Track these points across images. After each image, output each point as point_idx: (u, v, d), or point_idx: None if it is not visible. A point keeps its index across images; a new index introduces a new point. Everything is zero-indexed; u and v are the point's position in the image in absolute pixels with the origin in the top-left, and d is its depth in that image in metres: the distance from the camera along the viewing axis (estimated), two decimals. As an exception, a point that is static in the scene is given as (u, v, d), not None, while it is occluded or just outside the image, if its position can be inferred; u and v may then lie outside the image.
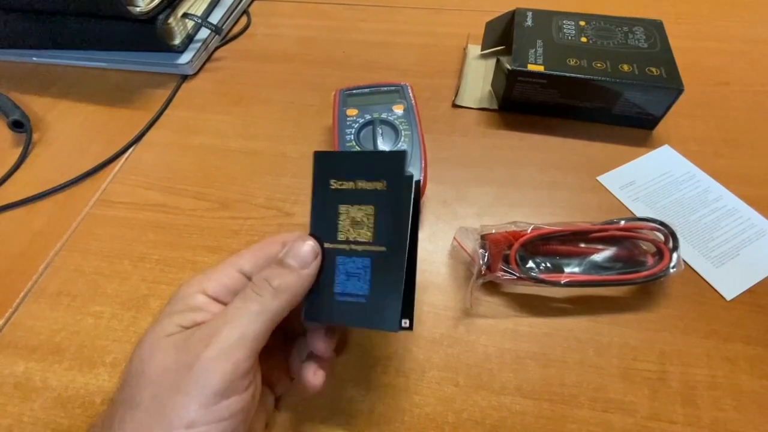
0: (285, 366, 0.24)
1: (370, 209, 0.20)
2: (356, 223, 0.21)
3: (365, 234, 0.20)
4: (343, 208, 0.21)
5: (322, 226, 0.21)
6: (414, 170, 0.33)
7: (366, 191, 0.20)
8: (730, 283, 0.31)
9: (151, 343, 0.19)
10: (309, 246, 0.21)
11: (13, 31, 0.48)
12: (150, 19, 0.44)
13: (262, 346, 0.19)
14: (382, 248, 0.20)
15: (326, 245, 0.21)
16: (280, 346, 0.24)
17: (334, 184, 0.21)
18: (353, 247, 0.21)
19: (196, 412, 0.17)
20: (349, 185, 0.21)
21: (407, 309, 0.20)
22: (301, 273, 0.20)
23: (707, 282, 0.31)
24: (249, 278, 0.21)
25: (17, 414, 0.27)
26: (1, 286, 0.32)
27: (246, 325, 0.18)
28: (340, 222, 0.21)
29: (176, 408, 0.17)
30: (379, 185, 0.20)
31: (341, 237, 0.21)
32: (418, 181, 0.21)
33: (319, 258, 0.21)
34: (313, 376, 0.22)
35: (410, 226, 0.20)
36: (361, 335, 0.29)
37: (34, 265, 0.33)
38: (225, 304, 0.20)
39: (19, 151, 0.41)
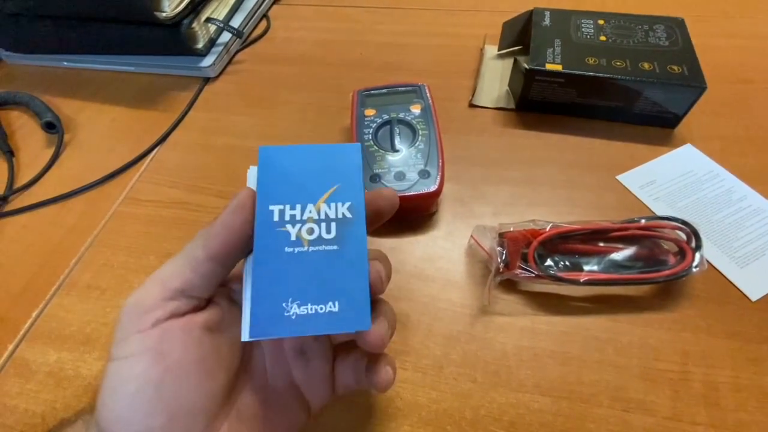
0: (327, 377, 0.22)
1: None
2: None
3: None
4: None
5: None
6: (431, 169, 0.33)
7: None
8: (755, 284, 0.30)
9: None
10: (241, 193, 0.19)
11: (46, 37, 0.50)
12: (175, 24, 0.46)
13: (175, 286, 0.18)
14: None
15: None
16: (324, 355, 0.22)
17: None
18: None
19: (113, 346, 0.18)
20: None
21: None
22: (228, 213, 0.19)
23: (731, 282, 0.30)
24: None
25: (50, 401, 0.28)
26: (35, 280, 0.34)
27: (162, 267, 0.19)
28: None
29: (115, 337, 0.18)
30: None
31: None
32: None
33: (234, 200, 0.19)
34: (386, 374, 0.20)
35: None
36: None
37: (66, 260, 0.35)
38: None
39: (51, 151, 0.43)
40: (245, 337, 0.18)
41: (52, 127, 0.44)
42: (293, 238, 0.19)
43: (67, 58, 0.52)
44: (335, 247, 0.19)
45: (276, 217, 0.19)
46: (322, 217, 0.19)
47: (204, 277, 0.19)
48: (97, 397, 0.17)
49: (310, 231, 0.19)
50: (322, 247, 0.19)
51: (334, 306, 0.18)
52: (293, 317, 0.18)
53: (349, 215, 0.19)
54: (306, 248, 0.19)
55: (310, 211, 0.19)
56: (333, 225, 0.19)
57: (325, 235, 0.19)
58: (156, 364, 0.17)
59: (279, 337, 0.18)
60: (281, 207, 0.19)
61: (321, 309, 0.18)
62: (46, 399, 0.28)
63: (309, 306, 0.18)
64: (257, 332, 0.17)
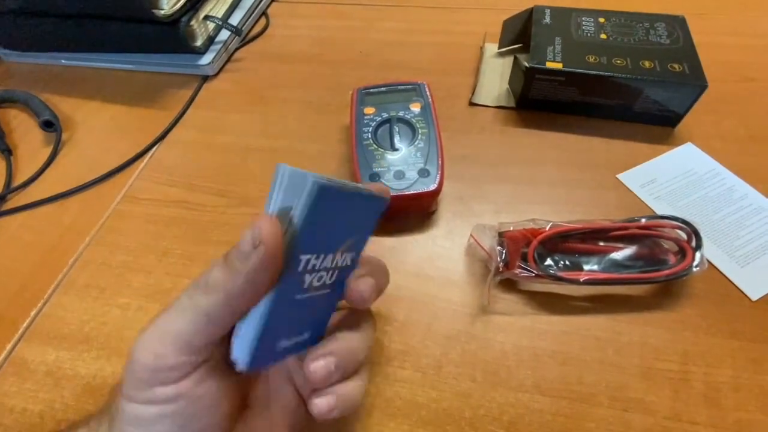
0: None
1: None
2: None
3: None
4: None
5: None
6: (431, 168, 0.33)
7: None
8: (755, 283, 0.30)
9: None
10: (250, 231, 0.16)
11: (44, 34, 0.50)
12: (173, 21, 0.45)
13: (200, 344, 0.17)
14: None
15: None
16: None
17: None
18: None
19: (130, 389, 0.17)
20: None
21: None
22: (237, 267, 0.16)
23: (732, 282, 0.30)
24: None
25: (49, 400, 0.28)
26: (33, 279, 0.34)
27: (173, 320, 0.17)
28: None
29: (124, 381, 0.17)
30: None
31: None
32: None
33: (262, 249, 0.16)
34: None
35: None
36: (378, 330, 0.29)
37: (64, 259, 0.35)
38: None
39: (49, 149, 0.42)
40: (242, 368, 0.17)
41: (50, 125, 0.44)
42: (305, 286, 0.18)
43: (65, 56, 0.52)
44: (327, 291, 0.19)
45: (301, 267, 0.17)
46: (332, 266, 0.19)
47: (221, 329, 0.17)
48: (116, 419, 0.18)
49: (320, 279, 0.19)
50: (319, 292, 0.19)
51: (306, 335, 0.20)
52: (280, 349, 0.19)
53: (349, 263, 0.20)
54: (309, 294, 0.19)
55: (328, 262, 0.18)
56: (335, 273, 0.19)
57: (327, 281, 0.19)
58: (185, 410, 0.17)
59: (268, 366, 0.20)
60: (309, 257, 0.17)
61: (298, 339, 0.19)
62: (45, 398, 0.28)
63: (292, 339, 0.19)
64: (255, 365, 0.18)
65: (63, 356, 0.30)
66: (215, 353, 0.18)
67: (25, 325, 0.31)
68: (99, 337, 0.30)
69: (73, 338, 0.31)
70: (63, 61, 0.52)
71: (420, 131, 0.35)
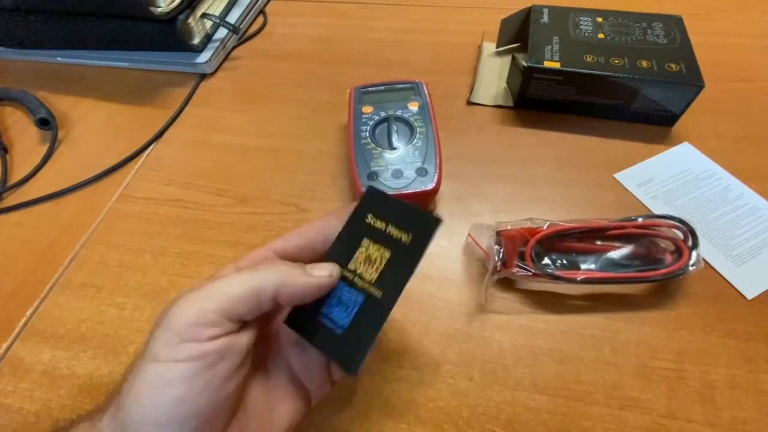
0: (323, 365, 0.23)
1: (387, 253, 0.21)
2: (369, 260, 0.21)
3: (371, 273, 0.21)
4: (365, 242, 0.22)
5: (341, 249, 0.22)
6: (429, 167, 0.33)
7: (391, 237, 0.21)
8: (750, 282, 0.30)
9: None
10: (332, 266, 0.21)
11: (39, 32, 0.49)
12: (170, 19, 0.45)
13: (242, 314, 0.19)
14: (379, 293, 0.21)
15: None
16: None
17: (370, 219, 0.22)
18: (356, 280, 0.21)
19: (160, 346, 0.18)
20: (381, 225, 0.21)
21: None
22: (308, 274, 0.20)
23: (727, 281, 0.30)
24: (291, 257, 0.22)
25: (45, 400, 0.28)
26: (30, 278, 0.34)
27: (229, 283, 0.19)
28: (357, 253, 0.22)
29: (148, 343, 0.18)
30: (404, 236, 0.21)
31: (351, 266, 0.21)
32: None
33: (333, 279, 0.21)
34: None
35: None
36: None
37: (61, 258, 0.35)
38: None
39: (45, 148, 0.42)
40: (354, 372, 0.20)
41: (46, 123, 0.43)
42: None
43: (61, 54, 0.51)
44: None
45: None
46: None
47: (262, 311, 0.19)
48: (124, 394, 0.18)
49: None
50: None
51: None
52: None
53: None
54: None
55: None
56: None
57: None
58: (204, 374, 0.18)
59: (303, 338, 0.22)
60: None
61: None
62: (41, 398, 0.28)
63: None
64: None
65: (59, 356, 0.30)
66: (241, 337, 0.19)
67: (21, 324, 0.31)
68: (95, 337, 0.30)
69: (69, 337, 0.30)
70: (59, 58, 0.52)
71: (418, 130, 0.35)
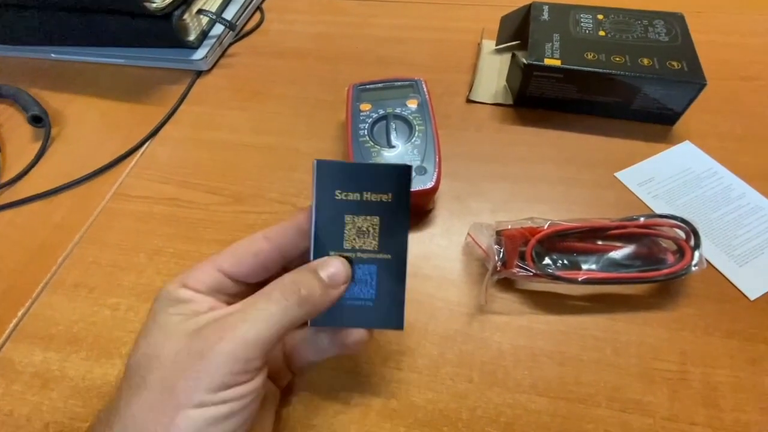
0: (283, 359, 0.24)
1: (375, 219, 0.21)
2: (362, 233, 0.21)
3: (370, 243, 0.21)
4: (348, 218, 0.21)
5: (328, 234, 0.21)
6: (428, 166, 0.32)
7: (372, 203, 0.21)
8: (753, 283, 0.30)
9: (161, 330, 0.19)
10: (343, 268, 0.21)
11: (33, 27, 0.49)
12: (166, 15, 0.44)
13: (273, 345, 0.19)
14: (387, 256, 0.21)
15: (332, 254, 0.22)
16: None
17: (340, 195, 0.21)
18: (359, 255, 0.21)
19: (204, 395, 0.17)
20: (354, 196, 0.21)
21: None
22: (329, 292, 0.20)
23: (730, 281, 0.30)
24: (229, 278, 0.21)
25: (36, 402, 0.27)
26: (22, 278, 0.33)
27: (264, 327, 0.18)
28: (346, 231, 0.21)
29: (186, 390, 0.17)
30: (384, 197, 0.21)
31: (347, 245, 0.21)
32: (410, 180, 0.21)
33: (348, 283, 0.21)
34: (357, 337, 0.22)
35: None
36: (375, 331, 0.29)
37: (53, 257, 0.34)
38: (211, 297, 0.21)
39: (38, 145, 0.42)
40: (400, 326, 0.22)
41: (39, 120, 0.43)
42: None
43: (55, 50, 0.50)
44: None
45: None
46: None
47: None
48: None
49: None
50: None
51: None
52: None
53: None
54: None
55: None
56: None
57: None
58: (251, 406, 0.19)
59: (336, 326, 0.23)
60: None
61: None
62: (32, 400, 0.27)
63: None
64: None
65: (51, 357, 0.29)
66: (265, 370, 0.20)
67: (12, 325, 0.31)
68: (88, 338, 0.30)
69: (61, 339, 0.30)
70: (53, 55, 0.51)
71: (417, 128, 0.35)
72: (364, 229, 0.21)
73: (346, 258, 0.21)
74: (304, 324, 0.23)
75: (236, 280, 0.21)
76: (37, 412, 0.27)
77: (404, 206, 0.21)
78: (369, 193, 0.21)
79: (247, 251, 0.22)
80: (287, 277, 0.20)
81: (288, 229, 0.22)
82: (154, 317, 0.20)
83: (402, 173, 0.21)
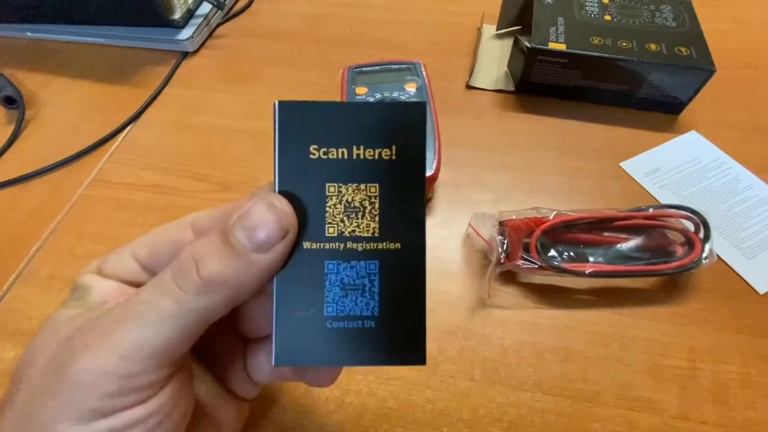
0: (244, 366, 0.19)
1: (373, 189, 0.14)
2: (353, 210, 0.15)
3: (367, 225, 0.15)
4: (331, 189, 0.15)
5: (300, 216, 0.14)
6: (427, 153, 0.31)
7: (367, 163, 0.14)
8: (763, 276, 0.29)
9: (48, 327, 0.15)
10: (273, 211, 0.13)
11: (6, 4, 0.46)
12: (149, -9, 0.42)
13: (183, 352, 0.14)
14: (395, 245, 0.15)
15: (307, 245, 0.15)
16: (235, 342, 0.19)
17: (316, 153, 0.14)
18: (351, 245, 0.15)
19: (70, 426, 0.13)
20: (340, 154, 0.14)
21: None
22: (252, 259, 0.13)
23: (738, 275, 0.29)
24: (144, 269, 0.16)
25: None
26: (-9, 269, 0.31)
27: (150, 330, 0.13)
28: (328, 209, 0.15)
29: (48, 419, 0.13)
30: (384, 151, 0.14)
31: (331, 231, 0.15)
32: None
33: (290, 237, 0.14)
34: (327, 375, 0.18)
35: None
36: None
37: (26, 247, 0.32)
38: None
39: (11, 128, 0.39)
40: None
41: (12, 102, 0.40)
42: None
43: (31, 28, 0.47)
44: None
45: None
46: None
47: (208, 328, 0.15)
48: None
49: None
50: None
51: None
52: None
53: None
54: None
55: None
56: None
57: None
58: (157, 429, 0.14)
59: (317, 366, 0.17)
60: None
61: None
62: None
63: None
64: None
65: (22, 354, 0.27)
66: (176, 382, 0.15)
67: (-21, 319, 0.29)
68: (63, 333, 0.28)
69: (34, 333, 0.28)
70: (28, 33, 0.48)
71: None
72: (357, 204, 0.14)
73: (330, 254, 0.15)
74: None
75: (153, 273, 0.16)
76: (6, 413, 0.25)
77: (417, 166, 0.14)
78: (362, 147, 0.14)
79: (167, 242, 0.16)
80: (186, 250, 0.14)
81: (225, 215, 0.15)
82: (60, 307, 0.16)
83: (412, 114, 0.14)
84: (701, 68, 0.34)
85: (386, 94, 0.34)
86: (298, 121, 0.14)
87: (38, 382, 0.13)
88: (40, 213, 0.34)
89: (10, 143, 0.38)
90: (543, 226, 0.27)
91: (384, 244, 0.15)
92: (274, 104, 0.15)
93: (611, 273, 0.27)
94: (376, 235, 0.15)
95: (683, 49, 0.35)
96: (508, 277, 0.29)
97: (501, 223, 0.28)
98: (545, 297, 0.28)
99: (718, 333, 0.27)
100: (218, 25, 0.49)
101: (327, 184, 0.15)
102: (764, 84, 0.40)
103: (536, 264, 0.27)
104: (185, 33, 0.45)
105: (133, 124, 0.40)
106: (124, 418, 0.13)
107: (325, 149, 0.14)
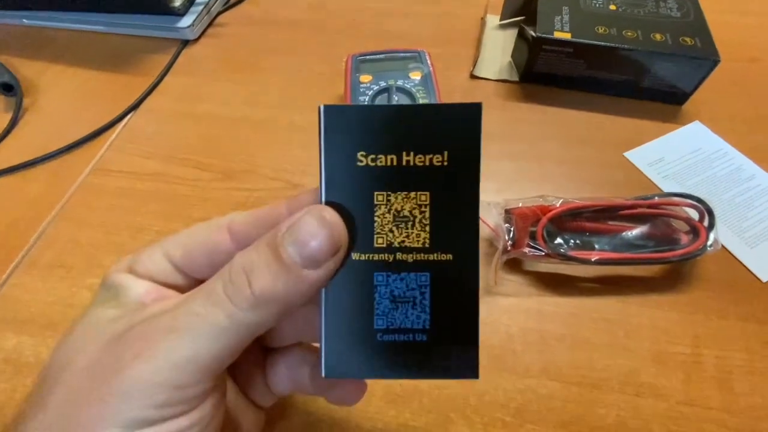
0: (263, 376, 0.19)
1: (423, 197, 0.14)
2: (402, 220, 0.14)
3: (417, 236, 0.14)
4: (380, 197, 0.14)
5: (347, 226, 0.14)
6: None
7: (416, 169, 0.14)
8: (765, 265, 0.29)
9: (85, 329, 0.15)
10: (324, 225, 0.13)
11: (2, -10, 0.45)
12: (148, -23, 0.41)
13: (227, 364, 0.14)
14: (447, 256, 0.14)
15: (355, 256, 0.14)
16: (257, 351, 0.19)
17: (363, 160, 0.14)
18: (400, 256, 0.14)
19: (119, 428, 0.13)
20: (387, 161, 0.14)
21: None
22: (303, 275, 0.13)
23: (741, 263, 0.29)
24: (180, 271, 0.16)
25: (9, 390, 0.25)
26: (-9, 257, 0.30)
27: (203, 343, 0.13)
28: (376, 218, 0.14)
29: (90, 424, 0.13)
30: (435, 158, 0.14)
31: (380, 242, 0.14)
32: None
33: (342, 253, 0.14)
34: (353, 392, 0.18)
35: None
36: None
37: (26, 236, 0.31)
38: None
39: (9, 116, 0.38)
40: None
41: (10, 89, 0.39)
42: None
43: (27, 15, 0.47)
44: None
45: None
46: None
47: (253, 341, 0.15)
48: None
49: None
50: None
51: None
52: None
53: None
54: None
55: None
56: None
57: None
58: None
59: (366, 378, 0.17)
60: None
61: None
62: (4, 388, 0.25)
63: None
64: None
65: (24, 342, 0.27)
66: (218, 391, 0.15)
67: (-20, 307, 0.28)
68: (65, 322, 0.27)
69: (35, 322, 0.27)
70: (25, 20, 0.47)
71: (420, 101, 0.33)
72: (406, 213, 0.14)
73: (380, 265, 0.14)
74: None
75: (187, 275, 0.16)
76: (8, 400, 0.25)
77: (472, 172, 0.14)
78: (411, 153, 0.14)
79: (201, 244, 0.16)
80: (236, 261, 0.14)
81: (263, 219, 0.15)
82: (87, 309, 0.15)
83: (468, 116, 0.14)
84: (705, 58, 0.34)
85: (391, 82, 0.34)
86: (344, 127, 0.14)
87: (79, 387, 0.13)
88: (39, 201, 0.33)
89: (8, 131, 0.38)
90: (549, 214, 0.27)
91: (435, 255, 0.14)
92: (319, 108, 0.14)
93: (617, 260, 0.27)
94: (426, 245, 0.14)
95: (688, 39, 0.35)
96: (514, 265, 0.29)
97: (507, 211, 0.28)
98: (550, 285, 0.28)
99: (723, 321, 0.27)
100: (219, 13, 0.48)
101: (375, 193, 0.14)
102: (767, 75, 0.41)
103: (543, 251, 0.27)
104: (186, 21, 0.44)
105: (133, 112, 0.39)
106: (169, 427, 0.13)
107: (373, 156, 0.14)
